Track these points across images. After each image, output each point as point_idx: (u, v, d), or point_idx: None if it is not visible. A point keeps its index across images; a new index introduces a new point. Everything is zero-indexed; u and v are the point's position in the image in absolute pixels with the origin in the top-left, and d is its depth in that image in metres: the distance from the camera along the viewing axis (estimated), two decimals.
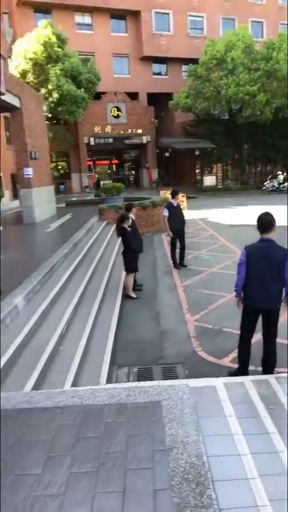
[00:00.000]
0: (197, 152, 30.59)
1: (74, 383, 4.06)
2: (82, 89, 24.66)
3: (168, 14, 32.44)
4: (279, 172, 29.95)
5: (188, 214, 15.02)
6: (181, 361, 5.11)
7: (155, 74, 34.06)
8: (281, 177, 28.41)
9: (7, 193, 20.32)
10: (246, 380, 4.17)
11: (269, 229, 4.31)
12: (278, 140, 31.86)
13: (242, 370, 4.58)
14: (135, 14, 31.79)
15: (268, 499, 2.55)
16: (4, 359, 3.97)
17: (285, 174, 29.18)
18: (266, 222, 4.32)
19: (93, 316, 5.80)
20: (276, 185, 28.00)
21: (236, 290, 4.49)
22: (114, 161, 37.03)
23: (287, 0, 34.66)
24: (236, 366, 4.85)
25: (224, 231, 14.16)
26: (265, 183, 28.82)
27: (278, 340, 5.53)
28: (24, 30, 25.06)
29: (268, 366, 4.56)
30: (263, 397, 3.80)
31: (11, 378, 3.91)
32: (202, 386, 3.98)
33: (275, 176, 29.01)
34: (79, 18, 30.84)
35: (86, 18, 31.13)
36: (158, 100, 33.42)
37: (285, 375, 4.34)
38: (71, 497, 2.30)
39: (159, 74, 34.23)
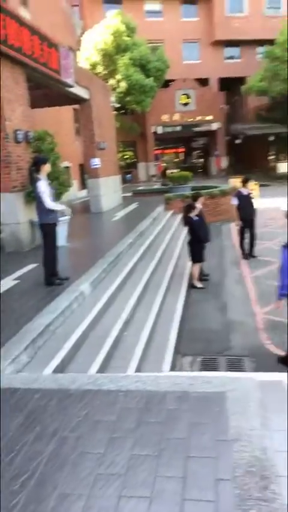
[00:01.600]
0: (271, 138, 29.31)
1: (138, 369, 4.11)
2: (151, 78, 24.61)
3: None
4: None
5: (260, 203, 14.49)
6: (248, 354, 4.97)
7: (227, 58, 33.01)
8: None
9: (75, 183, 20.99)
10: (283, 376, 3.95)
11: None
12: None
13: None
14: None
15: None
16: (70, 343, 4.11)
17: None
18: None
19: (157, 304, 5.82)
20: None
21: (282, 293, 4.20)
22: (182, 149, 36.65)
23: None
24: None
25: None
26: None
27: None
28: (94, 22, 25.47)
29: None
30: None
31: (76, 361, 4.04)
32: (270, 380, 3.84)
33: None
34: (149, 5, 30.69)
35: (156, 6, 30.90)
36: (230, 85, 32.41)
37: None
38: (133, 478, 2.33)
39: (231, 58, 33.11)
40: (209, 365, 4.68)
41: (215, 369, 4.57)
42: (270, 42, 28.07)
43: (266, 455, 2.56)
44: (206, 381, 3.41)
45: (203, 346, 5.26)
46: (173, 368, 4.49)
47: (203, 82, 31.78)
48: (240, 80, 30.87)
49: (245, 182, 9.58)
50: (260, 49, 30.72)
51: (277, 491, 2.29)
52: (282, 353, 4.79)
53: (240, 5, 31.45)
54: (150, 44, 26.65)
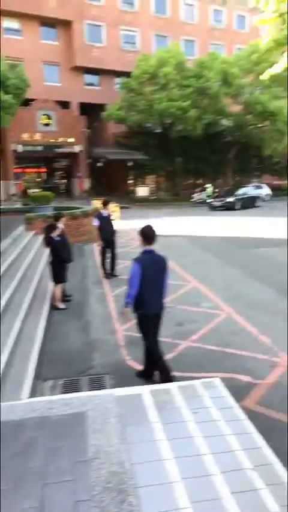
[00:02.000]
0: (130, 164, 30.99)
1: None
2: (10, 95, 23.94)
3: (100, 26, 32.76)
4: (208, 185, 31.23)
5: (121, 224, 15.09)
6: (109, 371, 5.06)
7: (87, 84, 34.09)
8: (209, 190, 29.63)
9: None
10: (173, 386, 4.21)
11: (153, 241, 4.67)
12: (209, 155, 33.24)
13: (167, 377, 4.64)
14: (67, 24, 31.72)
15: (189, 501, 2.58)
16: None
17: (211, 187, 30.39)
18: (151, 234, 4.67)
19: (17, 328, 5.57)
20: (204, 198, 29.14)
21: (128, 302, 4.56)
22: (44, 169, 36.29)
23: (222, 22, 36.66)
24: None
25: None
26: (194, 195, 29.88)
27: (206, 346, 5.72)
28: None
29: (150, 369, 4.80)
30: (188, 402, 3.86)
31: None
32: (129, 394, 3.96)
33: (204, 189, 30.19)
34: (7, 23, 30.09)
35: (15, 24, 30.47)
36: (91, 110, 33.46)
37: (211, 379, 4.46)
38: None
39: (91, 84, 34.31)
40: (70, 387, 4.62)
41: (76, 390, 4.53)
42: (127, 74, 29.98)
43: (124, 469, 2.62)
44: (65, 404, 3.36)
45: (65, 368, 5.18)
46: (33, 394, 4.31)
47: (64, 104, 32.16)
48: (100, 107, 32.14)
49: (105, 204, 9.90)
50: (118, 80, 32.51)
51: (134, 503, 2.35)
52: (140, 367, 5.01)
53: (98, 35, 32.95)
54: (9, 61, 25.99)
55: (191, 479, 2.76)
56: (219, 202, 25.73)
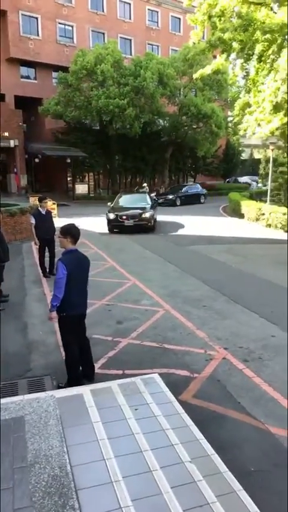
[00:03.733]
0: (69, 160, 30.46)
1: None
2: None
3: (36, 18, 31.79)
4: (145, 184, 31.54)
5: (59, 222, 14.79)
6: (49, 372, 4.97)
7: (23, 77, 32.93)
8: (146, 188, 29.93)
9: None
10: (113, 384, 4.25)
11: (77, 240, 4.58)
12: (147, 153, 33.55)
13: (76, 379, 4.54)
14: (1, 14, 30.43)
15: (131, 499, 2.62)
16: None
17: (146, 186, 30.69)
18: (75, 233, 4.55)
19: None
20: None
21: (55, 306, 4.41)
22: None
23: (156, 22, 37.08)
24: (106, 371, 4.92)
25: (95, 238, 14.30)
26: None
27: (145, 343, 5.80)
28: None
29: (91, 367, 4.77)
30: (129, 399, 3.91)
31: None
32: (69, 395, 3.93)
33: (142, 187, 30.44)
34: None
35: None
36: (28, 104, 32.41)
37: (150, 376, 4.54)
38: None
39: (27, 77, 33.20)
40: (8, 391, 4.47)
41: (15, 394, 4.40)
42: (64, 69, 29.40)
43: (65, 472, 2.60)
44: (3, 409, 3.26)
45: (2, 371, 5.00)
46: None
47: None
48: (38, 101, 31.22)
49: (40, 201, 9.67)
50: (55, 74, 31.78)
51: (76, 506, 2.35)
52: (104, 372, 4.97)
53: (34, 27, 31.95)
54: None
55: (132, 476, 2.81)
56: (162, 199, 27.16)
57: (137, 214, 15.94)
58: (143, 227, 15.86)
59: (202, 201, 29.68)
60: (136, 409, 3.76)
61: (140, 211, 16.07)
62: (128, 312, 7.09)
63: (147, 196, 18.38)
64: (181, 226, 17.98)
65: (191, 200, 28.82)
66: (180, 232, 16.63)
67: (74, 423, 3.41)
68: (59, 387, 4.38)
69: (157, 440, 3.28)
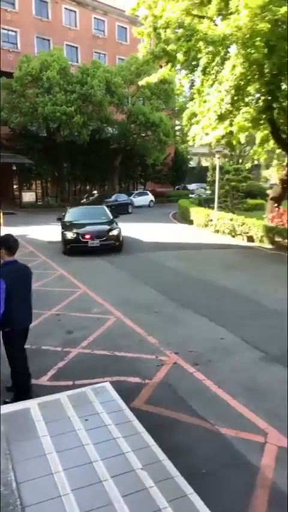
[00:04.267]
0: (14, 167, 29.70)
1: None
2: None
3: None
4: (95, 192, 31.45)
5: (5, 231, 14.34)
6: None
7: None
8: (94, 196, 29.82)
9: None
10: (62, 395, 4.12)
11: (15, 250, 4.45)
12: (96, 161, 33.40)
13: (26, 391, 4.43)
14: None
15: (80, 511, 2.54)
16: None
17: (96, 194, 30.61)
18: (12, 244, 4.42)
19: None
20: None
21: None
22: None
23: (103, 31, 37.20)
24: (55, 383, 4.79)
25: (43, 247, 14.00)
26: (82, 201, 29.80)
27: (96, 352, 5.71)
28: None
29: (27, 384, 4.55)
30: (79, 410, 3.82)
31: None
32: (15, 410, 3.77)
33: (92, 195, 30.31)
34: None
35: None
36: None
37: (101, 384, 4.47)
38: None
39: None
40: None
41: None
42: (8, 74, 28.74)
43: (10, 490, 2.48)
44: None
45: None
46: None
47: None
48: None
49: None
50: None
51: None
52: (54, 384, 4.81)
53: None
54: None
55: (82, 488, 2.73)
56: None
57: (104, 232, 12.96)
58: (111, 247, 12.88)
59: (130, 210, 27.63)
60: (86, 420, 3.67)
61: (107, 228, 13.22)
62: (78, 321, 6.97)
63: (106, 209, 15.53)
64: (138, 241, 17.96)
65: (119, 210, 24.53)
66: (132, 239, 16.67)
67: (20, 438, 3.27)
68: (5, 403, 4.19)
69: (108, 450, 3.22)
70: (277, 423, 3.93)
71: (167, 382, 4.82)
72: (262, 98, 12.68)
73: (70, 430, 3.49)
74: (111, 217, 14.50)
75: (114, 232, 13.20)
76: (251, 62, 11.18)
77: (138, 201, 31.62)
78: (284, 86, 11.06)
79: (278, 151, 17.39)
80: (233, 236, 16.49)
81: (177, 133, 41.86)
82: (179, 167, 44.23)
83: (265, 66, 11.41)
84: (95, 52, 37.42)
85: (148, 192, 34.34)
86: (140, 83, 16.14)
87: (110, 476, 2.90)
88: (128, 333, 6.43)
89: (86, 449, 3.20)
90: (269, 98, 12.41)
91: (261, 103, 12.71)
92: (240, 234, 16.03)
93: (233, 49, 11.94)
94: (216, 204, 21.40)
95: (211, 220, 18.56)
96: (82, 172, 34.04)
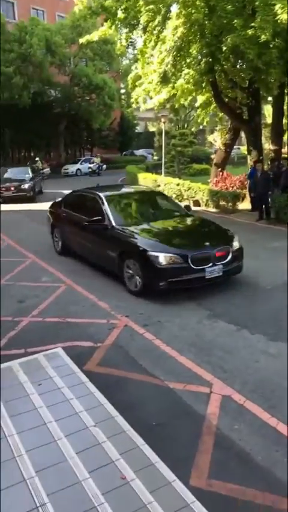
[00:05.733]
0: None
1: None
2: None
3: None
4: (37, 158, 30.34)
5: None
6: None
7: None
8: (39, 163, 28.77)
9: None
10: (14, 363, 4.15)
11: None
12: (39, 126, 32.01)
13: None
14: None
15: (35, 470, 2.63)
16: None
17: (39, 161, 29.57)
18: None
19: None
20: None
21: None
22: None
23: None
24: (7, 352, 4.77)
25: None
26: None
27: (47, 319, 5.71)
28: None
29: None
30: (31, 376, 3.86)
31: None
32: None
33: (34, 162, 29.23)
34: None
35: None
36: None
37: (53, 350, 4.53)
38: None
39: None
40: None
41: None
42: None
43: None
44: None
45: None
46: None
47: None
48: None
49: None
50: None
51: None
52: None
53: None
54: None
55: (36, 449, 2.82)
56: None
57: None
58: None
59: (98, 174, 29.34)
60: (39, 384, 3.74)
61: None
62: (29, 290, 6.90)
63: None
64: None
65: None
66: None
67: None
68: None
69: (61, 411, 3.32)
70: (221, 374, 4.20)
71: (118, 344, 4.95)
72: (204, 60, 12.59)
73: (23, 395, 3.54)
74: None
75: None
76: (192, 22, 11.00)
77: (85, 167, 31.00)
78: (225, 48, 11.00)
79: (221, 114, 17.55)
80: (180, 201, 16.69)
81: (123, 97, 40.84)
82: (126, 132, 43.56)
83: (205, 27, 11.29)
84: (33, 8, 35.10)
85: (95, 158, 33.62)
86: (81, 40, 15.47)
87: (63, 435, 3.01)
88: (79, 299, 6.46)
89: (39, 412, 3.28)
90: (210, 60, 12.35)
91: (202, 65, 12.63)
92: (187, 199, 16.26)
93: (175, 8, 11.69)
94: (163, 170, 21.45)
95: (159, 186, 18.63)
96: (26, 138, 32.60)
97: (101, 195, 7.72)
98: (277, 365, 4.36)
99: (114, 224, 7.06)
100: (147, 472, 2.73)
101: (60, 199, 9.91)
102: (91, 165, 30.38)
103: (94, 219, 7.30)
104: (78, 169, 30.96)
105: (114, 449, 2.92)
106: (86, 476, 2.65)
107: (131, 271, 6.58)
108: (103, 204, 7.44)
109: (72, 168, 31.14)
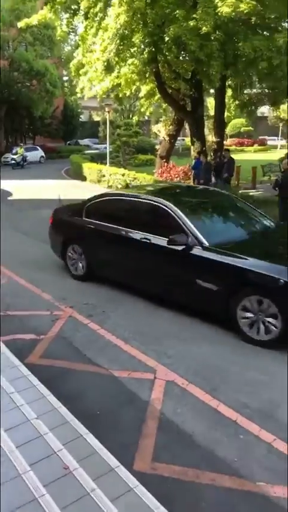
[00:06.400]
0: None
1: None
2: None
3: None
4: None
5: None
6: None
7: None
8: None
9: None
10: None
11: None
12: None
13: None
14: None
15: None
16: None
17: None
18: None
19: None
20: None
21: None
22: None
23: None
24: None
25: None
26: None
27: None
28: None
29: None
30: None
31: None
32: None
33: None
34: None
35: None
36: None
37: None
38: None
39: None
40: None
41: None
42: None
43: None
44: None
45: None
46: None
47: None
48: None
49: None
50: None
51: None
52: None
53: None
54: None
55: None
56: None
57: None
58: None
59: (40, 163, 28.33)
60: None
61: None
62: None
63: None
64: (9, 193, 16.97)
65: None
66: (21, 196, 15.92)
67: None
68: None
69: (2, 405, 3.21)
70: (165, 360, 4.27)
71: (62, 335, 4.87)
72: (147, 49, 12.57)
73: None
74: None
75: None
76: (134, 11, 10.92)
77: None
78: (167, 39, 11.03)
79: (165, 105, 17.67)
80: None
81: (66, 84, 39.83)
82: (70, 121, 42.62)
83: (148, 16, 11.25)
84: None
85: (38, 147, 32.65)
86: (19, 24, 14.86)
87: (3, 430, 2.91)
88: (21, 292, 6.28)
89: None
90: (153, 49, 12.34)
91: (145, 55, 12.60)
92: None
93: None
94: (108, 160, 21.28)
95: (104, 176, 18.47)
96: None
97: (170, 204, 5.49)
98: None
99: (205, 242, 5.00)
100: (91, 460, 2.71)
101: (64, 205, 8.34)
102: (14, 156, 27.28)
103: (173, 237, 5.12)
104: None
105: (56, 440, 2.87)
106: (26, 469, 2.59)
107: (250, 314, 4.59)
108: (179, 216, 5.28)
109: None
